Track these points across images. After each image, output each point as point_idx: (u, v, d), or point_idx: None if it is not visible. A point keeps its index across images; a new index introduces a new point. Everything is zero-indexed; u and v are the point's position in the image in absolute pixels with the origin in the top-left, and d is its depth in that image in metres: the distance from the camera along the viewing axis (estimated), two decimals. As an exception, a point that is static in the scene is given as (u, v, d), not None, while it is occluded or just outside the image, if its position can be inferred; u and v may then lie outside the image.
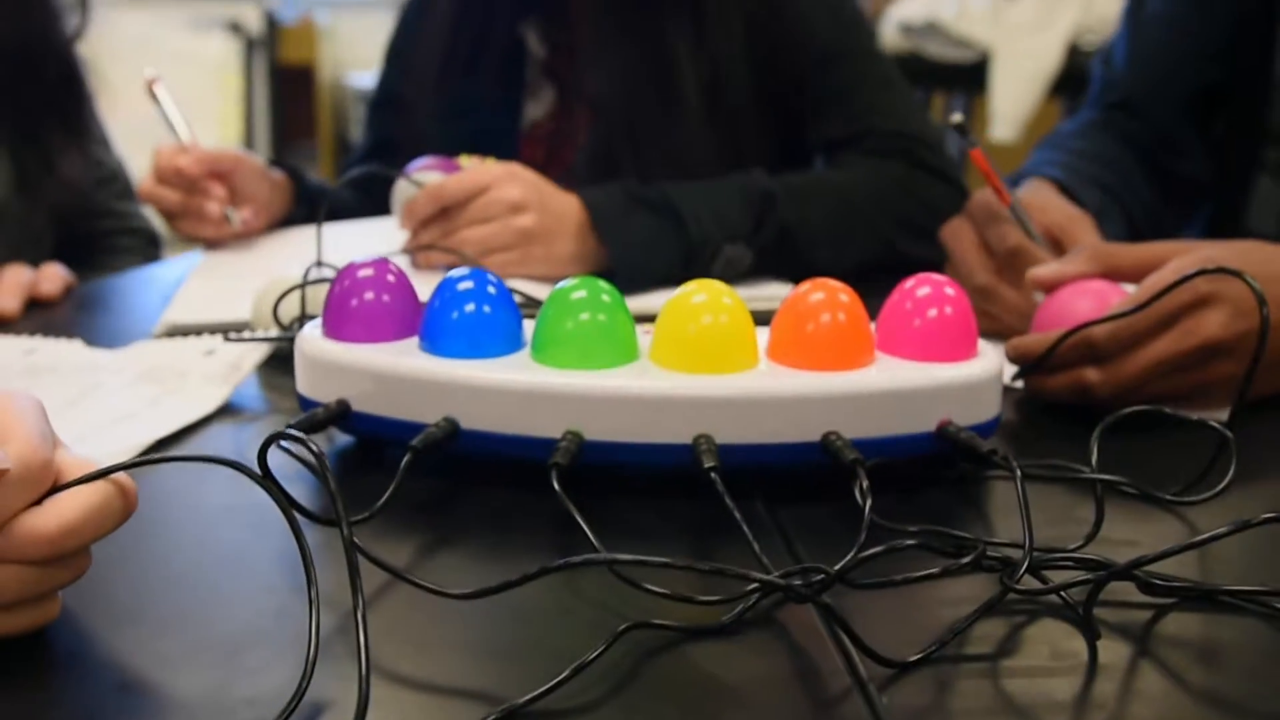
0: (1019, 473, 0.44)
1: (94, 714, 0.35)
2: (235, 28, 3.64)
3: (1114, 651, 0.38)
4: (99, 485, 0.37)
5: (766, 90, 0.96)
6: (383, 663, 0.36)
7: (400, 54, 1.10)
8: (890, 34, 2.35)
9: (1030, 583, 0.40)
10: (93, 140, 0.95)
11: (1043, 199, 0.78)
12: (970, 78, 2.27)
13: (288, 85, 3.78)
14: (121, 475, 0.38)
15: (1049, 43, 2.17)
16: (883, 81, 0.98)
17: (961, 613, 0.39)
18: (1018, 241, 0.69)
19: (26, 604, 0.37)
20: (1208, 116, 1.02)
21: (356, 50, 4.13)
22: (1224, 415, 0.56)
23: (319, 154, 3.91)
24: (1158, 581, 0.39)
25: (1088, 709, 0.35)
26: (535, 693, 0.34)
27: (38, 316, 0.75)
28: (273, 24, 3.72)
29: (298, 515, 0.37)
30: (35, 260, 0.81)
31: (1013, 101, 2.18)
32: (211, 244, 0.90)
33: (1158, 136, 1.00)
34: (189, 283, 0.80)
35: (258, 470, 0.38)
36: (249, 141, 3.70)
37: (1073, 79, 2.12)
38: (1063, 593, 0.40)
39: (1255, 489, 0.51)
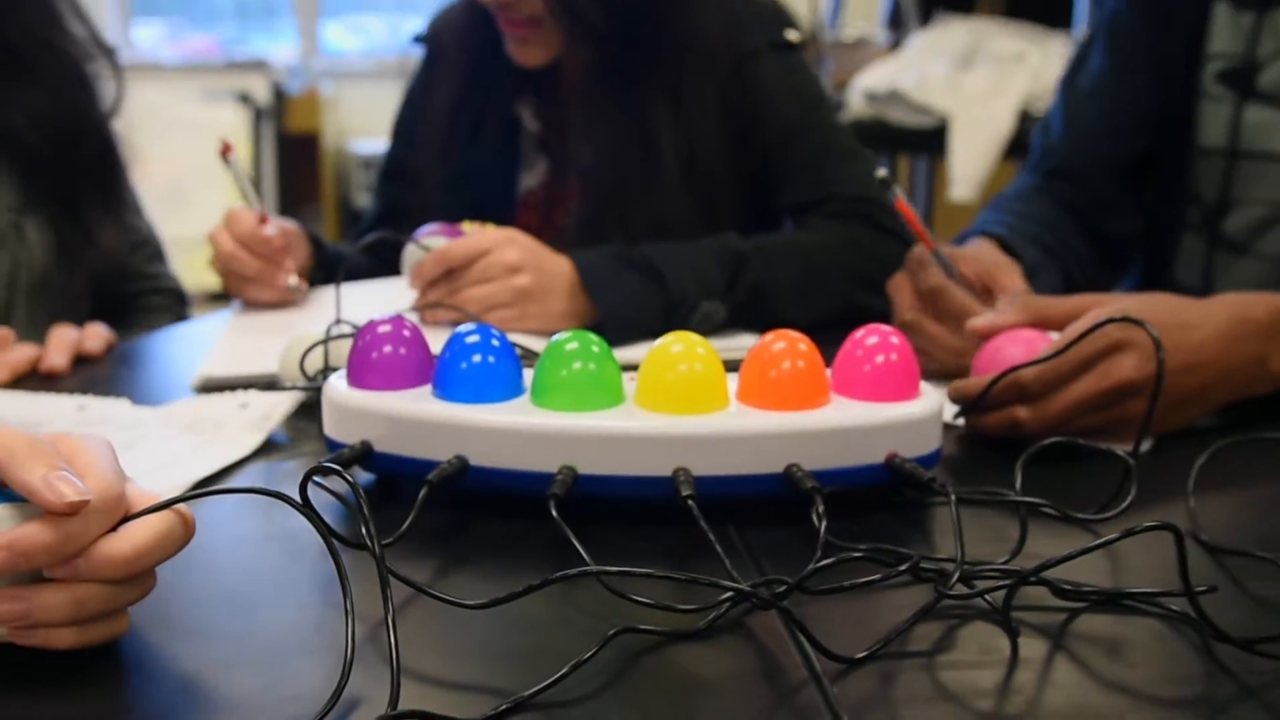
0: (954, 497, 0.49)
1: (162, 714, 0.39)
2: (245, 99, 3.69)
3: (1032, 647, 0.43)
4: (164, 515, 0.42)
5: (738, 161, 1.00)
6: (409, 663, 0.40)
7: (407, 130, 1.13)
8: (856, 101, 2.35)
9: (962, 590, 0.45)
10: (127, 209, 0.99)
11: (977, 250, 0.82)
12: (931, 142, 2.28)
13: (294, 152, 3.82)
14: (182, 506, 0.42)
15: (1001, 109, 2.21)
16: (842, 152, 1.03)
17: (903, 616, 0.43)
18: (938, 282, 0.74)
19: (102, 619, 0.41)
20: (1138, 181, 1.06)
21: (358, 119, 4.18)
22: (1144, 446, 0.61)
23: (323, 217, 3.95)
24: (1067, 586, 0.44)
25: (1009, 696, 0.40)
26: (538, 687, 0.38)
27: (83, 372, 0.78)
28: (280, 95, 3.76)
29: (334, 537, 0.42)
30: (76, 320, 0.85)
31: (970, 164, 2.22)
32: (249, 304, 0.93)
33: (1092, 200, 1.04)
34: (222, 340, 0.84)
35: (299, 501, 0.42)
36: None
37: (1024, 143, 2.16)
38: (987, 597, 0.44)
39: (1153, 507, 0.55)
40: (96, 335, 0.81)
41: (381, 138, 3.96)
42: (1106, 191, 1.04)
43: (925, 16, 2.57)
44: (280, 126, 3.76)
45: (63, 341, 0.78)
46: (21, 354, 0.77)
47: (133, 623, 0.42)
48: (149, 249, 1.03)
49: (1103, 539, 0.42)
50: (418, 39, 1.14)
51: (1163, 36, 1.03)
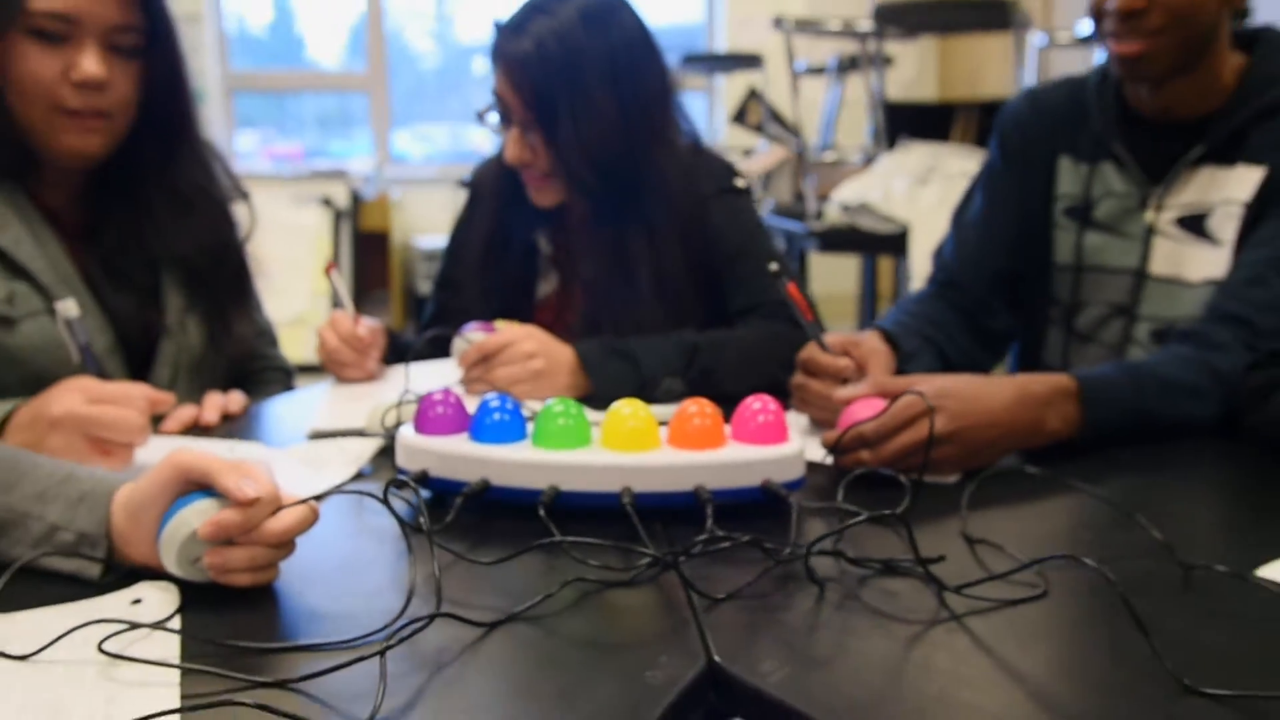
0: (795, 504, 0.69)
1: (299, 620, 0.60)
2: (327, 202, 3.97)
3: (832, 591, 0.63)
4: (301, 508, 0.63)
5: (695, 276, 1.17)
6: (447, 595, 0.61)
7: (454, 252, 1.33)
8: (833, 211, 2.52)
9: (787, 557, 0.65)
10: (254, 307, 1.22)
11: (865, 339, 0.99)
12: (894, 245, 2.45)
13: (368, 247, 4.09)
14: (311, 502, 0.64)
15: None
16: (780, 264, 1.23)
17: (755, 573, 0.64)
18: (810, 353, 0.93)
19: (265, 569, 0.63)
20: (1010, 290, 1.24)
21: (420, 219, 4.48)
22: (951, 479, 0.81)
23: (390, 300, 4.21)
24: (853, 556, 0.65)
25: (816, 624, 0.60)
26: (523, 606, 0.59)
27: (227, 426, 1.01)
28: (357, 199, 4.05)
29: (404, 523, 0.63)
30: (219, 389, 1.07)
31: (927, 264, 2.40)
32: (342, 381, 1.15)
33: (975, 304, 1.22)
34: (324, 405, 1.07)
35: (383, 500, 0.64)
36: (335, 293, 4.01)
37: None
38: (808, 563, 0.64)
39: (931, 511, 0.75)
40: (237, 399, 1.04)
41: (440, 234, 4.27)
42: (986, 298, 1.23)
43: (891, 141, 2.80)
44: (356, 225, 4.04)
45: (214, 404, 1.00)
46: (186, 413, 0.99)
47: (281, 572, 0.64)
48: (267, 337, 1.25)
49: (862, 516, 0.63)
50: (464, 183, 1.37)
51: (1024, 183, 1.23)
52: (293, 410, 1.09)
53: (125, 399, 0.83)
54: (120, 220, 1.06)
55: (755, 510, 0.75)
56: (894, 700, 0.52)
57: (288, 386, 1.24)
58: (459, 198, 1.42)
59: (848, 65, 3.44)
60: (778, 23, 2.77)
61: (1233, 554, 0.67)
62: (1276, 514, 0.78)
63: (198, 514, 0.60)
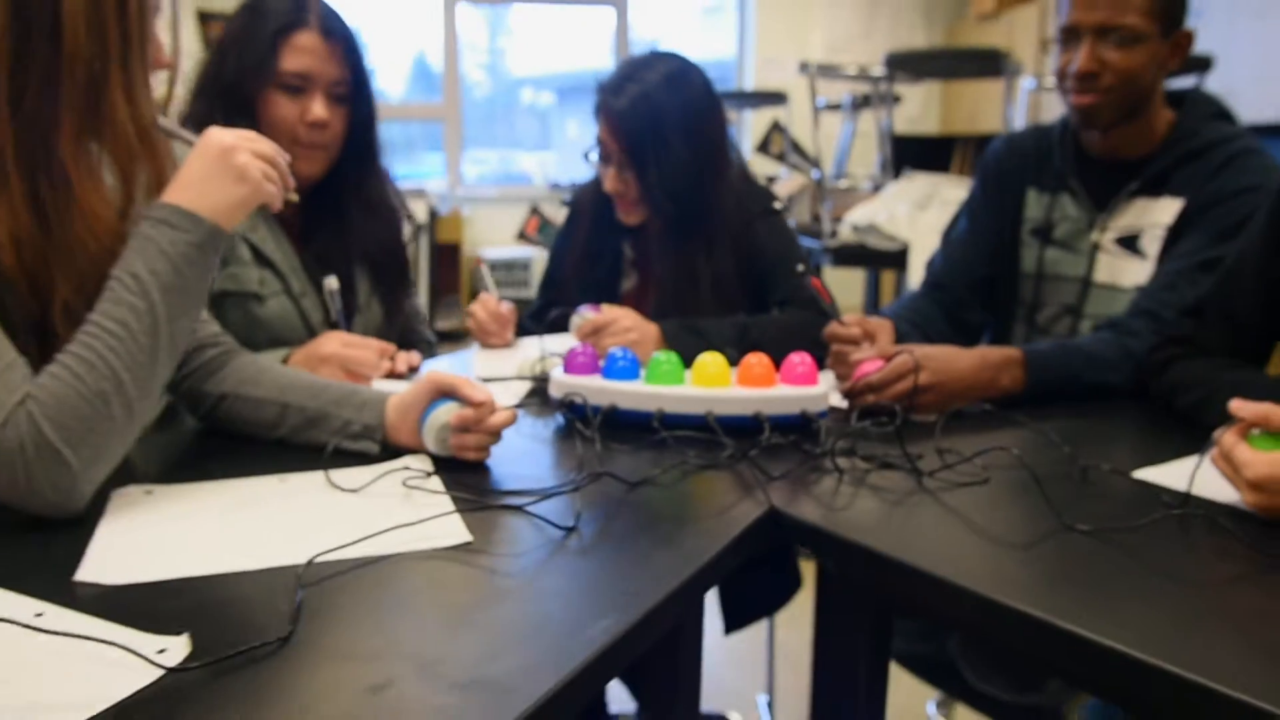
0: (822, 425, 0.97)
1: (507, 482, 0.89)
2: (409, 218, 4.27)
3: (848, 476, 0.90)
4: (508, 411, 0.92)
5: (744, 279, 1.40)
6: (602, 467, 0.89)
7: (557, 257, 1.60)
8: (845, 231, 2.75)
9: (819, 452, 0.93)
10: (411, 292, 1.51)
11: (875, 320, 1.22)
12: (897, 261, 2.64)
13: (442, 256, 4.39)
14: (513, 408, 0.93)
15: (947, 239, 2.65)
16: (803, 270, 1.50)
17: (796, 464, 0.92)
18: (832, 328, 1.18)
19: (485, 450, 0.91)
20: (985, 291, 1.48)
21: (487, 232, 4.79)
22: (931, 418, 1.08)
23: (460, 304, 4.53)
24: (865, 455, 0.92)
25: (837, 492, 0.87)
26: (652, 474, 0.87)
27: (414, 374, 1.31)
28: (434, 215, 4.37)
29: (577, 421, 0.92)
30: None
31: (923, 276, 2.65)
32: (486, 347, 1.44)
33: (956, 302, 1.47)
34: (477, 362, 1.36)
35: (562, 408, 0.93)
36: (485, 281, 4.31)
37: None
38: (833, 458, 0.92)
39: (918, 430, 1.02)
40: (416, 357, 1.32)
41: (502, 246, 4.57)
42: (966, 298, 1.48)
43: (897, 171, 3.06)
44: (433, 238, 4.35)
45: (404, 359, 1.28)
46: (401, 359, 1.28)
47: (491, 453, 0.93)
48: (419, 315, 1.55)
49: (858, 424, 0.91)
50: (566, 204, 1.65)
51: (999, 209, 1.48)
52: (455, 365, 1.38)
53: (366, 346, 1.12)
54: (327, 225, 1.35)
55: (795, 429, 1.02)
56: (889, 532, 0.79)
57: (432, 354, 1.53)
58: (517, 214, 1.71)
59: (861, 103, 3.70)
60: (804, 66, 3.05)
61: (1119, 461, 0.94)
62: (1158, 443, 1.04)
63: (447, 411, 0.89)
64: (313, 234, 1.35)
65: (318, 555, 0.70)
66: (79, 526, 0.75)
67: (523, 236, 4.97)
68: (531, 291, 4.10)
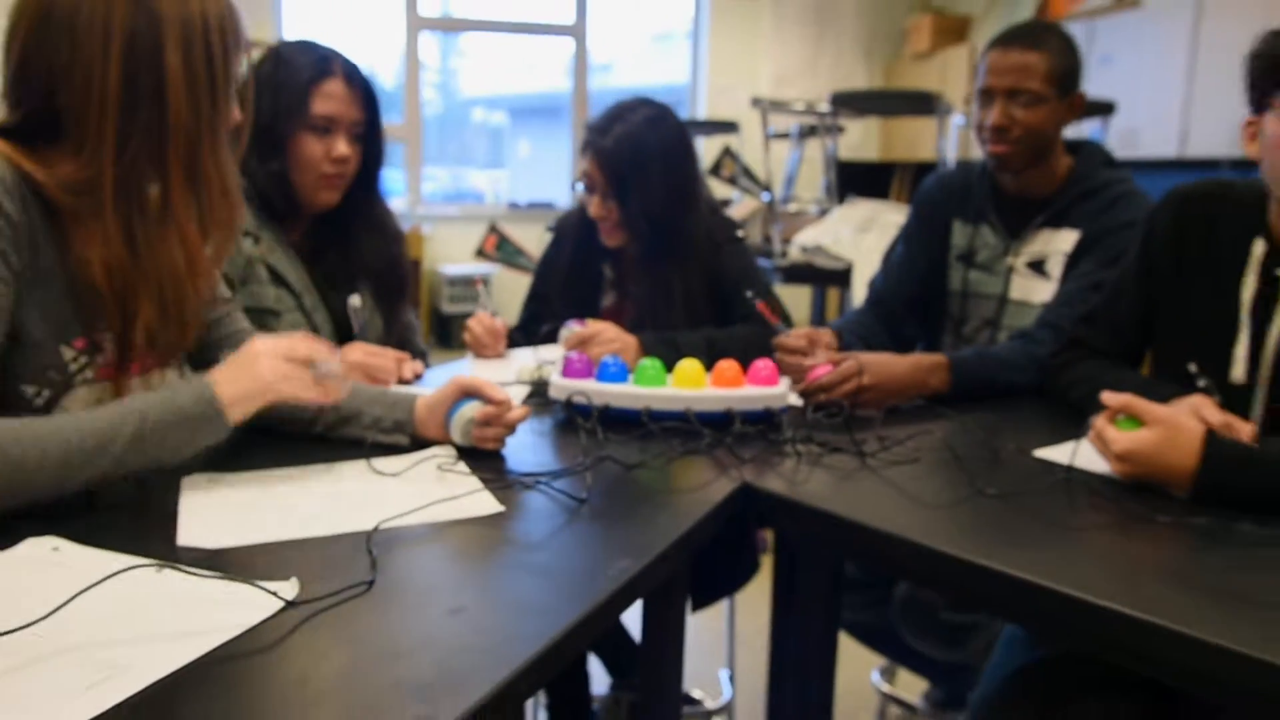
0: (783, 419, 1.15)
1: (524, 466, 1.05)
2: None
3: (805, 459, 1.08)
4: (523, 408, 1.08)
5: (711, 298, 1.58)
6: (602, 454, 1.06)
7: (542, 275, 1.76)
8: (794, 251, 2.98)
9: (779, 440, 1.11)
10: (410, 304, 1.65)
11: (820, 330, 1.44)
12: (841, 279, 2.87)
13: (407, 273, 4.53)
14: (525, 406, 1.09)
15: (886, 259, 2.88)
16: (760, 290, 1.67)
17: (761, 449, 1.09)
18: (779, 340, 1.36)
19: (501, 441, 1.07)
20: (919, 307, 1.68)
21: (445, 250, 4.90)
22: (873, 413, 1.27)
23: (420, 317, 4.63)
24: (819, 441, 1.10)
25: (797, 471, 1.05)
26: (643, 459, 1.04)
27: (417, 381, 1.46)
28: (398, 233, 4.49)
29: (579, 417, 1.09)
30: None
31: (865, 293, 2.87)
32: (479, 358, 1.60)
33: (894, 317, 1.67)
34: (474, 370, 1.51)
35: (563, 405, 1.09)
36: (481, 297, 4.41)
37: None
38: (793, 444, 1.10)
39: (862, 422, 1.21)
40: (420, 365, 1.47)
41: (460, 263, 4.68)
42: (902, 313, 1.68)
43: (841, 196, 3.29)
44: (397, 254, 4.45)
45: (410, 366, 1.43)
46: (408, 367, 1.41)
47: (506, 443, 1.08)
48: (414, 328, 1.69)
49: (812, 416, 1.09)
50: (551, 229, 1.82)
51: (930, 238, 1.68)
52: (453, 373, 1.53)
53: (385, 355, 1.27)
54: (335, 246, 1.50)
55: (761, 421, 1.20)
56: (839, 499, 0.97)
57: (427, 363, 1.68)
58: (472, 232, 1.87)
59: (808, 132, 3.93)
60: (756, 101, 3.26)
61: (1023, 443, 1.13)
62: (1054, 428, 1.23)
63: (472, 408, 1.05)
64: (322, 255, 1.49)
65: (382, 522, 0.85)
66: (156, 508, 0.89)
67: (481, 253, 5.10)
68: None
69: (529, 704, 1.76)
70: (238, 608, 0.70)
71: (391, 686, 0.60)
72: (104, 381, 0.95)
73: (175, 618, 0.69)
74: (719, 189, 4.90)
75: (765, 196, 3.36)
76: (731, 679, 1.99)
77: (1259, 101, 1.08)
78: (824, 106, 3.11)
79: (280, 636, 0.66)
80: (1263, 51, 1.06)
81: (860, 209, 3.10)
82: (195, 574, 0.73)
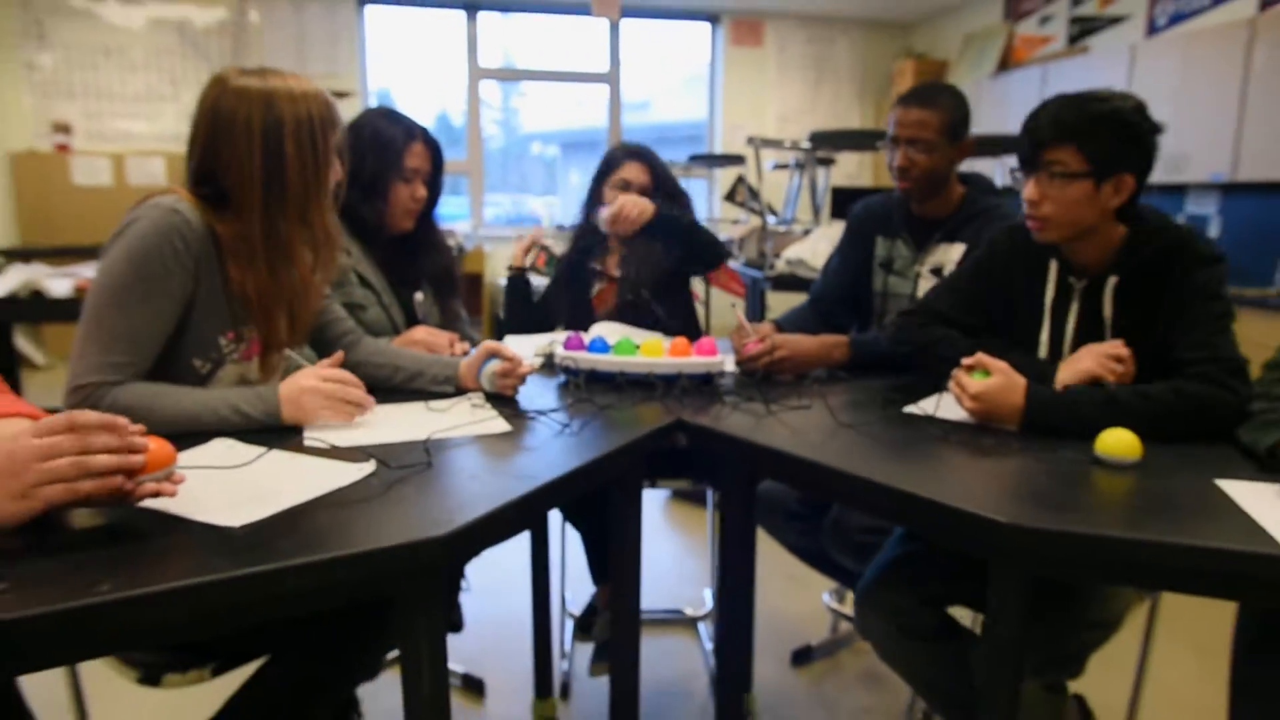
0: (721, 381, 1.46)
1: (531, 405, 1.38)
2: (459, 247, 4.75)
3: (733, 408, 1.39)
4: (528, 364, 1.41)
5: (684, 276, 1.98)
6: (586, 398, 1.38)
7: (555, 282, 2.12)
8: (781, 264, 3.29)
9: (727, 400, 1.41)
10: (460, 300, 2.00)
11: (765, 325, 1.77)
12: None
13: (468, 284, 4.90)
14: (530, 365, 1.41)
15: (856, 270, 3.14)
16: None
17: (704, 402, 1.40)
18: (739, 323, 1.69)
19: (516, 389, 1.41)
20: (851, 305, 1.96)
21: (501, 264, 5.27)
22: (788, 378, 1.56)
23: (484, 321, 5.00)
24: (766, 402, 1.41)
25: (724, 414, 1.36)
26: (616, 403, 1.36)
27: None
28: (460, 250, 4.84)
29: (574, 377, 1.41)
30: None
31: None
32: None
33: (828, 312, 1.94)
34: (512, 344, 1.84)
35: (563, 370, 1.42)
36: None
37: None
38: (723, 397, 1.41)
39: (784, 386, 1.51)
40: (466, 345, 1.81)
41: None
42: (835, 309, 1.95)
43: (831, 218, 3.55)
44: (461, 268, 4.84)
45: (459, 346, 1.78)
46: (459, 346, 1.76)
47: (519, 391, 1.41)
48: (462, 318, 2.03)
49: (742, 376, 1.40)
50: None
51: (858, 250, 1.95)
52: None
53: (439, 335, 1.61)
54: (405, 258, 1.84)
55: (704, 382, 1.51)
56: (759, 431, 1.27)
57: (475, 343, 2.02)
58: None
59: (803, 164, 4.22)
60: (750, 139, 3.56)
61: (906, 399, 1.42)
62: (920, 388, 1.52)
63: (495, 365, 1.38)
64: (395, 264, 1.84)
65: (433, 434, 1.18)
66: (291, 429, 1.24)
67: (532, 268, 5.45)
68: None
69: (558, 638, 2.09)
70: (333, 476, 1.03)
71: (434, 508, 0.93)
72: (245, 361, 1.29)
73: (305, 476, 1.03)
74: (732, 211, 5.21)
75: (771, 220, 3.65)
76: (714, 595, 2.29)
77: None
78: (806, 144, 3.39)
79: (370, 491, 1.00)
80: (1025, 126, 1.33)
81: (836, 229, 3.35)
82: (314, 455, 1.07)
